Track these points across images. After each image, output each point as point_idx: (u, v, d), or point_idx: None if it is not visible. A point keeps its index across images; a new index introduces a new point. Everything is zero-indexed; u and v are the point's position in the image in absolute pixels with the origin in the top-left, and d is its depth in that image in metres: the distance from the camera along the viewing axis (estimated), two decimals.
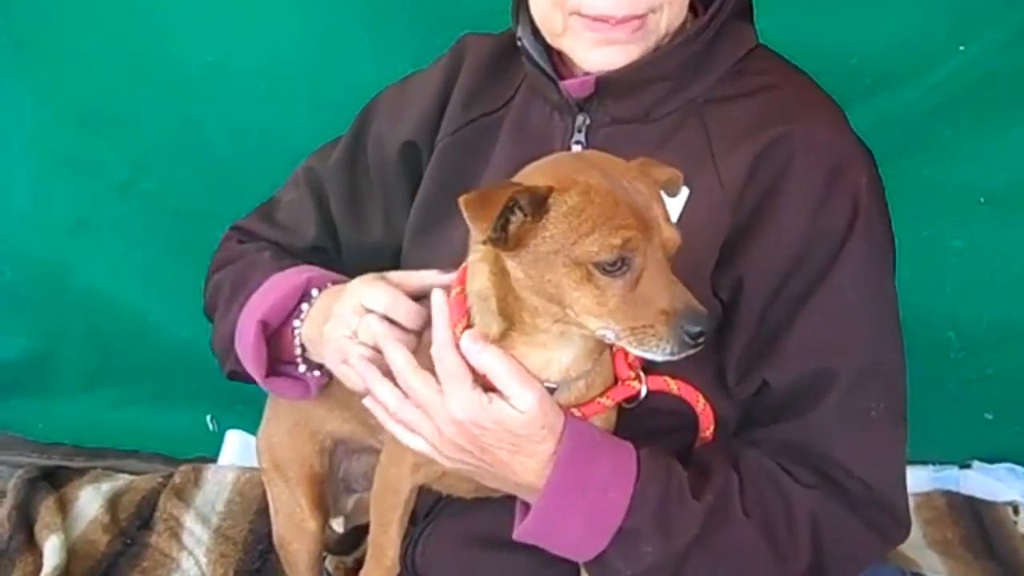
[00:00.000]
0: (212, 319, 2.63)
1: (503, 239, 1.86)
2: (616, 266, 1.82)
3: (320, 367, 2.38)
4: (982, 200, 3.73)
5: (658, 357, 1.83)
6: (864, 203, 2.18)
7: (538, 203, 1.83)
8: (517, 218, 1.85)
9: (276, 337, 2.40)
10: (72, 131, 3.94)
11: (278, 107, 3.77)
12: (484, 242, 1.88)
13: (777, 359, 2.16)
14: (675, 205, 2.11)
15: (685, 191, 2.14)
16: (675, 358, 1.83)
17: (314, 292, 2.37)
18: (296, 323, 2.36)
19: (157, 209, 4.00)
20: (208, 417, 4.36)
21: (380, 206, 2.58)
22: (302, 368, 2.39)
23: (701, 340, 1.80)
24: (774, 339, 2.16)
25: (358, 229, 2.62)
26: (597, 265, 1.82)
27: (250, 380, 2.48)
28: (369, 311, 2.17)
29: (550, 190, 1.84)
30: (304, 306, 2.36)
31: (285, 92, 3.76)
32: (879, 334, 2.20)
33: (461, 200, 1.82)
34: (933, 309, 3.74)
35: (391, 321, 2.15)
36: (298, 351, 2.37)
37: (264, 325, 2.37)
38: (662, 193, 1.95)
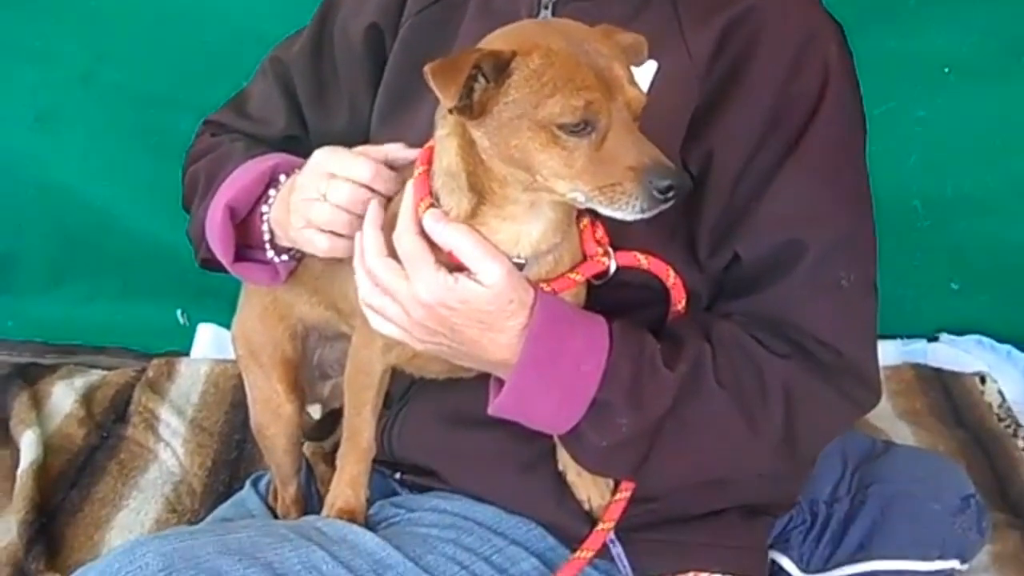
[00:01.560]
0: (189, 212, 2.62)
1: (468, 107, 1.85)
2: (580, 127, 1.81)
3: (289, 251, 2.37)
4: (947, 70, 3.73)
5: (629, 216, 1.82)
6: (834, 74, 2.17)
7: (501, 67, 1.82)
8: (480, 85, 1.84)
9: (245, 224, 2.39)
10: (29, 20, 3.87)
11: None
12: (451, 111, 1.87)
13: (748, 231, 2.15)
14: (644, 79, 2.10)
15: (653, 64, 2.12)
16: (646, 215, 1.81)
17: (281, 178, 2.35)
18: (264, 208, 2.34)
19: (120, 100, 3.97)
20: (179, 311, 4.36)
21: (345, 93, 2.56)
22: (270, 253, 2.37)
23: (671, 195, 1.79)
24: (744, 211, 2.16)
25: (325, 117, 2.59)
26: (561, 127, 1.81)
27: (221, 268, 2.47)
28: (335, 176, 2.17)
29: (513, 54, 1.83)
30: (272, 192, 2.35)
31: None
32: (849, 204, 2.19)
33: (427, 69, 1.81)
34: (898, 179, 3.78)
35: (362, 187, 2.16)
36: (266, 236, 2.35)
37: (232, 210, 2.35)
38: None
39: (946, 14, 3.66)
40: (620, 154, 1.81)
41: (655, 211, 1.81)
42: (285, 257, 2.38)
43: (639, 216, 1.82)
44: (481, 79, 1.83)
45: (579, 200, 1.86)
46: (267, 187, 2.37)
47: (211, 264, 2.51)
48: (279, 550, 2.12)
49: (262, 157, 2.43)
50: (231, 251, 2.39)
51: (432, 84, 1.81)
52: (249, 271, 2.43)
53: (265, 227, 2.34)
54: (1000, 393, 3.90)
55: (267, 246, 2.37)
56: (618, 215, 1.83)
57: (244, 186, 2.36)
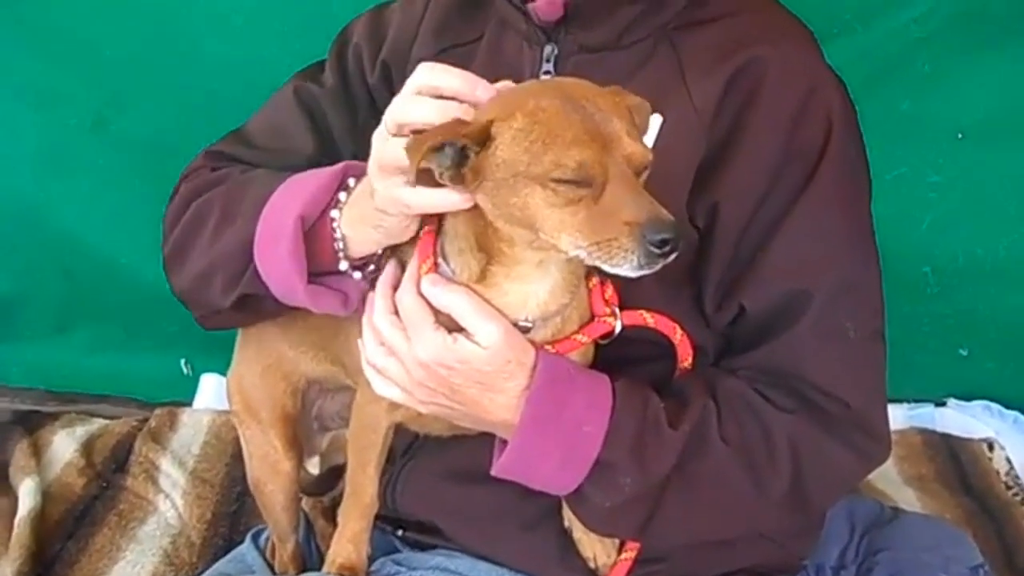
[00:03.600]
0: (182, 254, 2.44)
1: (459, 177, 1.86)
2: (576, 181, 1.80)
3: (362, 266, 2.19)
4: (960, 135, 3.72)
5: (628, 272, 1.80)
6: (837, 123, 2.16)
7: (482, 138, 1.84)
8: (472, 150, 1.85)
9: (306, 243, 2.19)
10: (40, 65, 3.88)
11: (255, 40, 3.72)
12: (442, 178, 1.88)
13: (753, 283, 2.14)
14: (649, 133, 2.09)
15: (658, 118, 2.11)
16: (646, 271, 1.79)
17: (351, 182, 2.19)
18: (334, 213, 2.16)
19: (130, 147, 3.95)
20: (182, 361, 4.33)
21: (377, 124, 2.48)
22: (343, 264, 2.17)
23: (667, 249, 1.76)
24: (750, 263, 2.15)
25: (365, 148, 2.49)
26: (557, 181, 1.80)
27: (244, 318, 2.39)
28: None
29: (489, 123, 1.84)
30: (342, 195, 2.18)
31: (262, 24, 3.72)
32: (854, 253, 2.18)
33: (405, 145, 1.84)
34: (909, 245, 3.76)
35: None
36: (338, 244, 2.16)
37: (303, 222, 2.16)
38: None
39: (960, 79, 3.65)
40: (617, 209, 1.79)
41: (655, 267, 1.79)
42: (358, 275, 2.19)
43: (638, 272, 1.79)
44: (472, 148, 1.84)
45: (581, 256, 1.84)
46: (337, 191, 2.20)
47: (230, 310, 2.34)
48: None
49: (318, 169, 2.26)
50: (304, 271, 2.17)
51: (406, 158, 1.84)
52: (320, 297, 2.21)
53: (338, 235, 2.16)
54: (1008, 460, 3.86)
55: (339, 256, 2.17)
56: (617, 271, 1.81)
57: (315, 193, 2.17)
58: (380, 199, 2.02)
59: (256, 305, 2.32)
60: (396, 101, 1.97)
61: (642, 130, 1.98)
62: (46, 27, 3.81)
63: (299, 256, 2.15)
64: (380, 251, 2.17)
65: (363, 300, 2.17)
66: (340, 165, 2.21)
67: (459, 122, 1.85)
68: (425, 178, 1.92)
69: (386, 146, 1.96)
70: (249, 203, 2.28)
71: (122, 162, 4.00)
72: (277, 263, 2.19)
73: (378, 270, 2.16)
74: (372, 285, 2.15)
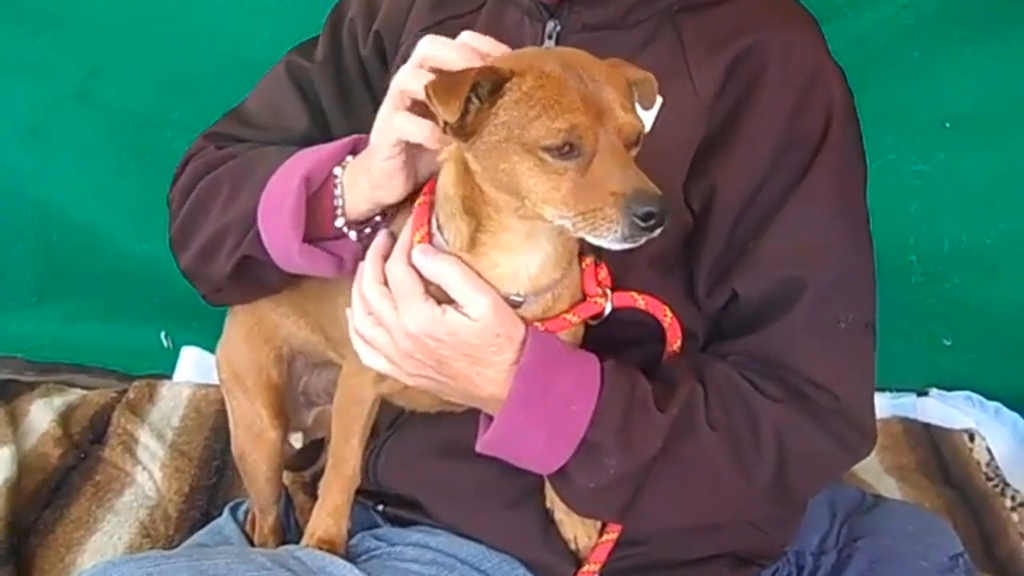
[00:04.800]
0: (190, 230, 2.43)
1: (463, 128, 1.85)
2: (565, 150, 1.79)
3: (360, 225, 2.19)
4: (947, 124, 3.73)
5: (612, 244, 1.78)
6: (838, 112, 2.16)
7: (498, 85, 1.82)
8: (474, 105, 1.83)
9: (309, 205, 2.20)
10: (24, 35, 3.86)
11: (239, 12, 3.70)
12: (446, 129, 1.86)
13: (748, 269, 2.14)
14: (648, 114, 2.08)
15: (659, 99, 2.10)
16: (629, 244, 1.78)
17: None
18: (337, 170, 2.17)
19: (113, 118, 3.95)
20: (162, 333, 4.32)
21: (369, 98, 2.47)
22: (339, 221, 2.18)
23: (652, 223, 1.75)
24: (745, 249, 2.14)
25: (355, 120, 2.45)
26: (546, 150, 1.79)
27: (245, 290, 2.38)
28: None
29: (511, 72, 1.82)
30: (348, 158, 2.19)
31: None
32: (849, 244, 2.18)
33: (426, 86, 1.81)
34: (895, 233, 3.76)
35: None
36: (337, 201, 2.17)
37: (307, 183, 2.17)
38: (637, 105, 1.92)
39: (949, 68, 3.66)
40: (604, 179, 1.78)
41: (639, 240, 1.78)
42: (354, 234, 2.20)
43: (622, 245, 1.78)
44: (475, 100, 1.83)
45: (567, 228, 1.83)
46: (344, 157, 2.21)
47: (240, 274, 2.33)
48: None
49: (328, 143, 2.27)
50: (301, 229, 2.18)
51: (432, 100, 1.80)
52: (314, 258, 2.21)
53: (338, 191, 2.17)
54: (988, 451, 3.88)
55: (337, 212, 2.18)
56: (601, 242, 1.80)
57: (322, 159, 2.19)
58: (375, 134, 2.05)
59: (257, 273, 2.32)
60: (403, 71, 1.99)
61: (649, 104, 1.97)
62: None
63: (299, 214, 2.16)
64: (379, 217, 2.17)
65: (355, 267, 2.16)
66: (350, 137, 2.22)
67: (477, 67, 1.84)
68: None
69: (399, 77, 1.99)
70: (259, 176, 2.28)
71: (105, 133, 3.99)
72: (278, 223, 2.19)
73: (374, 234, 2.16)
74: (364, 252, 2.15)
